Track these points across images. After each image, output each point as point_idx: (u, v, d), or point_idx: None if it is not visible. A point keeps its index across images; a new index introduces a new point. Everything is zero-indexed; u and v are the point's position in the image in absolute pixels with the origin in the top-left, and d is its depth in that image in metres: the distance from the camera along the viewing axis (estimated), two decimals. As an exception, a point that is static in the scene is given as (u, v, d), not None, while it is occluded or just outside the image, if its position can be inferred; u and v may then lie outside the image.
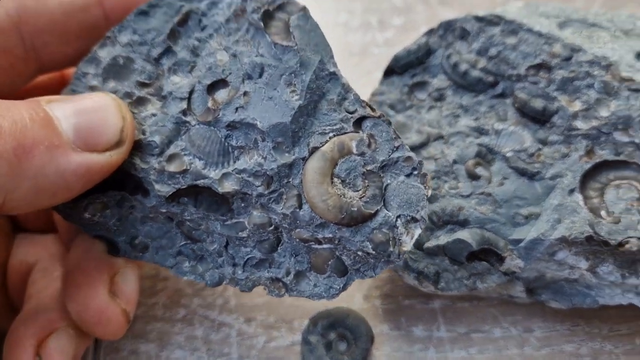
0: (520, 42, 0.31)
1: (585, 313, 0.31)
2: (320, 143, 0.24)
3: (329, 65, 0.24)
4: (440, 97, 0.33)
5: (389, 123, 0.24)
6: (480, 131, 0.31)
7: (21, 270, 0.30)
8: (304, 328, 0.32)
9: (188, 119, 0.25)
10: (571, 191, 0.28)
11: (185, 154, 0.25)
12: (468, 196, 0.29)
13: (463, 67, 0.32)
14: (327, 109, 0.24)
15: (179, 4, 0.26)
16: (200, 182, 0.25)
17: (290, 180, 0.24)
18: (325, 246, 0.25)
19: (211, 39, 0.26)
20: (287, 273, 0.26)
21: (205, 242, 0.27)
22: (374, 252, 0.23)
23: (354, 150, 0.24)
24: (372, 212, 0.23)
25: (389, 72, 0.34)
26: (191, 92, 0.25)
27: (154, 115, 0.25)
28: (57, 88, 0.30)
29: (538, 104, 0.30)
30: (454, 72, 0.32)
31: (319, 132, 0.24)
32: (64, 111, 0.22)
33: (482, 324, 0.32)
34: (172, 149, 0.25)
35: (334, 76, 0.24)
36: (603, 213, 0.27)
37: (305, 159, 0.24)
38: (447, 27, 0.33)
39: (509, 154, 0.29)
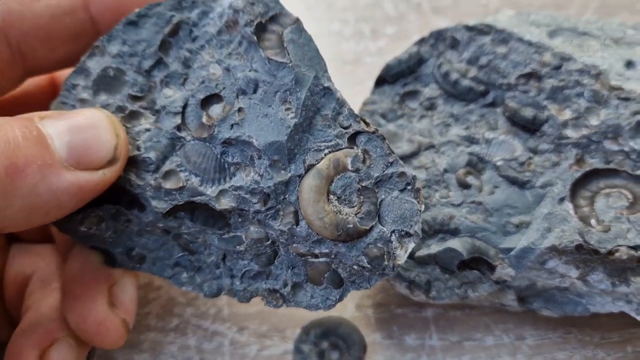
0: (510, 51, 0.31)
1: (577, 321, 0.32)
2: (316, 160, 0.24)
3: (323, 79, 0.24)
4: (431, 106, 0.33)
5: (383, 138, 0.24)
6: (471, 140, 0.31)
7: (18, 282, 0.30)
8: (297, 337, 0.32)
9: (183, 134, 0.25)
10: (561, 200, 0.28)
11: (181, 170, 0.25)
12: (459, 205, 0.29)
13: (454, 76, 0.32)
14: (322, 125, 0.24)
15: (169, 14, 0.26)
16: (197, 198, 0.25)
17: (287, 197, 0.24)
18: (321, 259, 0.25)
19: (203, 51, 0.25)
20: (285, 285, 0.26)
21: (203, 254, 0.27)
22: (369, 266, 0.24)
23: (349, 167, 0.24)
24: (368, 228, 0.23)
25: (381, 81, 0.34)
26: (185, 107, 0.25)
27: (147, 130, 0.25)
28: (46, 91, 0.30)
29: (528, 112, 0.30)
30: (445, 81, 0.32)
31: (314, 148, 0.24)
32: (57, 129, 0.22)
33: (474, 332, 0.32)
34: (167, 165, 0.25)
35: (329, 91, 0.24)
36: (593, 222, 0.27)
37: (301, 176, 0.24)
38: (438, 36, 0.34)
39: (499, 163, 0.30)
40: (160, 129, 0.25)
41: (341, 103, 0.24)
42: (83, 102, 0.26)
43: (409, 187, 0.24)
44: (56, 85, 0.31)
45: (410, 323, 0.33)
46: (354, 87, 0.43)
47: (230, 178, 0.25)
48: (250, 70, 0.24)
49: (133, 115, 0.25)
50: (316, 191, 0.23)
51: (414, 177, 0.24)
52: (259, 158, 0.24)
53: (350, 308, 0.33)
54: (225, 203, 0.24)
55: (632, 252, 0.26)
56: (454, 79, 0.32)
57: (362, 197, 0.24)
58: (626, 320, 0.29)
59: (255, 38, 0.24)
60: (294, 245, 0.25)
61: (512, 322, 0.32)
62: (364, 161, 0.24)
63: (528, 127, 0.30)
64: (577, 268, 0.27)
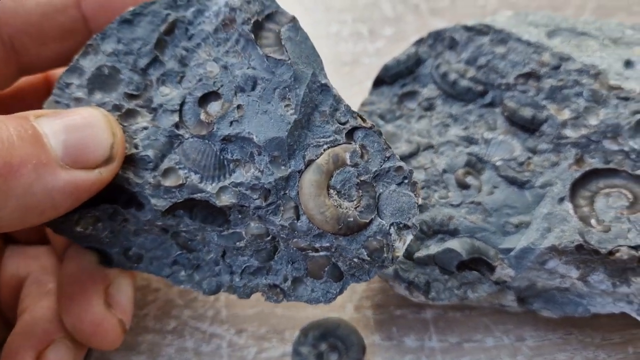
0: (509, 51, 0.31)
1: (577, 322, 0.31)
2: (316, 155, 0.24)
3: (320, 77, 0.24)
4: (429, 107, 0.33)
5: (380, 133, 0.24)
6: (470, 140, 0.31)
7: (13, 284, 0.30)
8: (295, 339, 0.31)
9: (181, 132, 0.25)
10: (561, 200, 0.28)
11: (180, 168, 0.25)
12: (458, 205, 0.29)
13: (452, 76, 0.32)
14: (320, 121, 0.24)
15: (165, 12, 0.26)
16: (197, 195, 0.25)
17: (287, 192, 0.24)
18: (321, 253, 0.25)
19: (199, 49, 0.25)
20: (285, 280, 0.26)
21: (202, 251, 0.27)
22: (369, 259, 0.24)
23: (348, 162, 0.24)
24: (367, 221, 0.24)
25: (379, 82, 0.34)
26: (182, 104, 0.25)
27: (145, 128, 0.25)
28: (41, 90, 0.30)
29: (527, 112, 0.30)
30: (444, 81, 0.32)
31: (313, 144, 0.24)
32: (53, 127, 0.22)
33: (474, 333, 0.32)
34: (166, 163, 0.25)
35: (326, 88, 0.24)
36: (593, 222, 0.27)
37: (301, 172, 0.24)
38: (437, 36, 0.34)
39: (498, 163, 0.29)
40: (158, 127, 0.25)
41: (338, 99, 0.24)
42: (78, 101, 0.25)
43: (406, 181, 0.24)
44: (50, 84, 0.31)
45: (409, 324, 0.32)
46: (352, 87, 0.43)
47: (230, 175, 0.25)
48: (248, 68, 0.24)
49: (129, 114, 0.25)
50: (317, 186, 0.24)
51: (411, 171, 0.24)
52: (259, 154, 0.24)
53: (349, 309, 0.33)
54: (225, 199, 0.24)
55: (633, 252, 0.26)
56: (453, 79, 0.32)
57: (360, 191, 0.24)
58: (627, 321, 0.29)
59: (253, 36, 0.24)
60: (295, 240, 0.25)
61: (512, 323, 0.32)
62: (362, 156, 0.24)
63: (527, 127, 0.30)
64: (578, 268, 0.27)
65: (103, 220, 0.26)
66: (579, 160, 0.28)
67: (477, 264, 0.28)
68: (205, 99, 0.25)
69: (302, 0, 0.50)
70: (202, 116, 0.25)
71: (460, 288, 0.29)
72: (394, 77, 0.34)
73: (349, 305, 0.33)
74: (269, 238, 0.25)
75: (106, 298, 0.27)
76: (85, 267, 0.27)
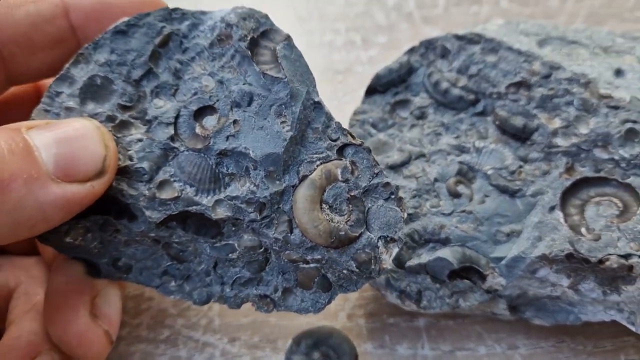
0: (500, 60, 0.31)
1: (569, 330, 0.31)
2: (309, 171, 0.25)
3: (313, 94, 0.25)
4: (421, 115, 0.33)
5: (369, 151, 0.25)
6: (462, 149, 0.31)
7: (2, 295, 0.30)
8: (288, 348, 0.31)
9: (176, 145, 0.25)
10: (552, 208, 0.28)
11: (175, 181, 0.25)
12: (449, 214, 0.29)
13: (444, 85, 0.32)
14: (313, 138, 0.25)
15: (160, 24, 0.26)
16: (193, 208, 0.25)
17: (281, 206, 0.25)
18: (311, 265, 0.26)
19: (193, 62, 0.26)
20: (275, 290, 0.27)
21: (193, 262, 0.27)
22: (357, 270, 0.25)
23: (340, 177, 0.25)
24: (357, 234, 0.25)
25: (371, 91, 0.34)
26: (177, 117, 0.25)
27: (139, 140, 0.25)
28: (32, 99, 0.30)
29: (518, 121, 0.30)
30: (435, 90, 0.33)
31: (307, 160, 0.25)
32: (44, 140, 0.22)
33: (466, 341, 0.32)
34: (161, 175, 0.25)
35: (319, 105, 0.25)
36: (583, 230, 0.27)
37: (295, 186, 0.25)
38: (428, 45, 0.34)
39: (490, 172, 0.30)
40: (153, 139, 0.25)
41: (329, 117, 0.25)
42: (69, 111, 0.25)
43: (393, 196, 0.25)
44: (40, 93, 0.31)
45: (402, 333, 0.32)
46: (345, 96, 0.43)
47: (225, 188, 0.25)
48: (244, 84, 0.25)
49: (123, 125, 0.25)
50: (311, 200, 0.24)
51: (397, 187, 0.25)
52: (255, 169, 0.25)
53: (342, 318, 0.33)
54: (221, 212, 0.25)
55: (623, 260, 0.26)
56: (444, 88, 0.32)
57: (351, 205, 0.25)
58: (619, 328, 0.29)
59: (249, 52, 0.25)
60: (287, 252, 0.25)
61: (505, 331, 0.32)
62: (352, 172, 0.25)
63: (518, 136, 0.30)
64: (568, 277, 0.27)
65: (93, 231, 0.26)
66: (569, 169, 0.29)
67: (469, 272, 0.28)
68: (200, 113, 0.25)
69: (296, 10, 0.50)
70: (198, 130, 0.25)
71: (452, 297, 0.29)
72: (386, 85, 0.34)
73: (341, 314, 0.33)
74: (261, 250, 0.26)
75: (92, 309, 0.27)
76: (72, 278, 0.27)
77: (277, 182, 0.25)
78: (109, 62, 0.26)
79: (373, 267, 0.25)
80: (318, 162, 0.25)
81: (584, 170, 0.28)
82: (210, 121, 0.25)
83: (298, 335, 0.32)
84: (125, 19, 0.26)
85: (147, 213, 0.25)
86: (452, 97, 0.32)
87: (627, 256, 0.26)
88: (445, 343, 0.32)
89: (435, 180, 0.30)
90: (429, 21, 0.48)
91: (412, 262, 0.29)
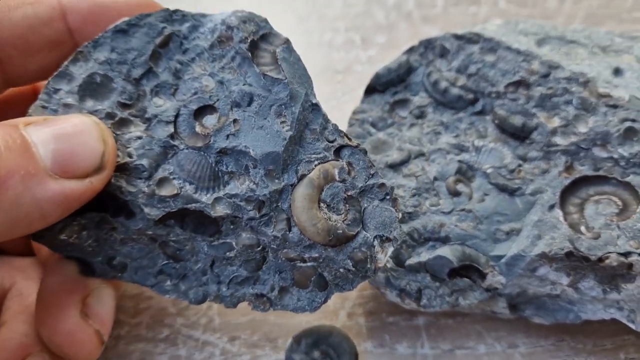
0: (499, 59, 0.31)
1: (569, 328, 0.31)
2: (308, 170, 0.25)
3: (311, 96, 0.26)
4: (421, 115, 0.33)
5: (365, 152, 0.26)
6: (461, 148, 0.31)
7: None
8: (288, 346, 0.31)
9: (176, 143, 0.25)
10: (551, 207, 0.28)
11: (174, 178, 0.25)
12: (449, 213, 0.29)
13: (443, 84, 0.32)
14: (311, 138, 0.25)
15: (161, 25, 0.26)
16: (192, 206, 0.25)
17: (280, 204, 0.25)
18: (308, 264, 0.26)
19: (193, 63, 0.26)
20: (272, 289, 0.27)
21: (189, 261, 0.27)
22: (354, 269, 0.25)
23: (337, 177, 0.25)
24: (354, 233, 0.25)
25: (371, 90, 0.34)
26: (176, 116, 0.26)
27: (139, 137, 0.25)
28: (29, 100, 0.30)
29: (517, 120, 0.30)
30: (435, 89, 0.33)
31: (305, 160, 0.25)
32: (42, 136, 0.22)
33: (466, 340, 0.32)
34: (160, 173, 0.25)
35: (316, 107, 0.26)
36: (583, 228, 0.27)
37: (293, 185, 0.25)
38: (427, 45, 0.34)
39: (489, 171, 0.30)
40: (152, 137, 0.25)
41: (326, 119, 0.26)
42: (67, 107, 0.25)
43: (388, 197, 0.26)
44: (38, 95, 0.31)
45: (401, 331, 0.32)
46: (344, 95, 0.43)
47: (224, 186, 0.25)
48: (244, 84, 0.25)
49: (123, 123, 0.25)
50: (309, 199, 0.25)
51: (392, 188, 0.26)
52: (254, 167, 0.25)
53: (342, 317, 0.33)
54: (220, 210, 0.25)
55: (622, 258, 0.26)
56: (444, 87, 0.32)
57: (347, 205, 0.25)
58: (618, 326, 0.29)
59: (250, 54, 0.25)
60: (285, 250, 0.26)
61: (505, 329, 0.32)
62: (349, 172, 0.25)
63: (517, 135, 0.30)
64: (568, 275, 0.27)
65: (88, 229, 0.26)
66: (568, 168, 0.29)
67: (468, 271, 0.28)
68: (200, 112, 0.26)
69: (296, 10, 0.50)
70: (198, 128, 0.25)
71: (452, 295, 0.29)
72: (386, 85, 0.34)
73: (341, 313, 0.34)
74: (259, 248, 0.26)
75: (83, 308, 0.26)
76: (65, 278, 0.26)
77: (277, 180, 0.25)
78: (109, 61, 0.26)
79: (369, 266, 0.25)
80: (316, 162, 0.25)
81: (583, 169, 0.28)
82: (210, 120, 0.26)
83: (298, 334, 0.32)
84: (126, 18, 0.26)
85: (146, 210, 0.25)
86: (451, 96, 0.32)
87: (626, 254, 0.26)
88: (445, 342, 0.32)
89: (435, 179, 0.30)
90: (428, 21, 0.48)
91: (412, 260, 0.29)
